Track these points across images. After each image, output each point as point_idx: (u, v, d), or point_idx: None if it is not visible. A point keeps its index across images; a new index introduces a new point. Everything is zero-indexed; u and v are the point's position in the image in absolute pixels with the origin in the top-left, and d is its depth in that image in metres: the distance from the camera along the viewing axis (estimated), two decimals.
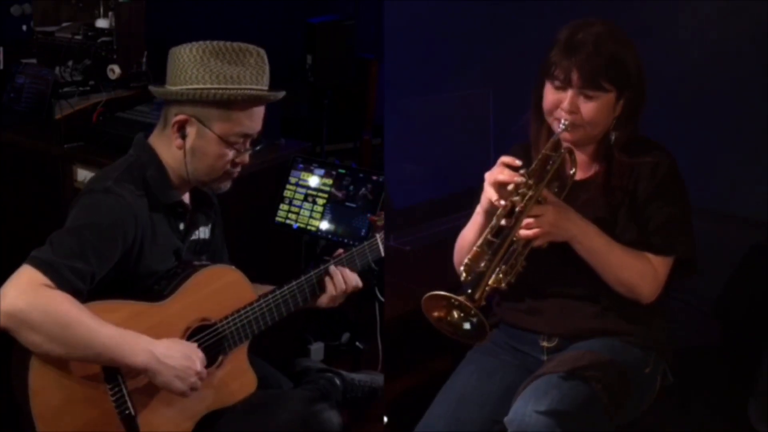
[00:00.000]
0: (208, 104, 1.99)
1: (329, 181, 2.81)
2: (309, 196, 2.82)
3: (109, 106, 3.18)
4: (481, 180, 2.09)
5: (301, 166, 2.88)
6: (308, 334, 3.40)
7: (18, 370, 1.82)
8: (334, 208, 2.78)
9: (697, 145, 2.73)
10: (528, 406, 1.93)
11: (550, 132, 2.12)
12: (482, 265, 1.88)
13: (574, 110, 2.04)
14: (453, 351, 2.47)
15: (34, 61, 3.50)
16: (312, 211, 2.80)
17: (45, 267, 1.78)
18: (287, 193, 2.86)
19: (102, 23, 3.44)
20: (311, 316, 3.35)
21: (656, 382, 2.17)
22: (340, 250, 2.25)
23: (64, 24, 3.54)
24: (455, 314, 1.89)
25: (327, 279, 2.17)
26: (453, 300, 1.85)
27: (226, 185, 2.10)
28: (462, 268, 1.90)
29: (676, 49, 2.82)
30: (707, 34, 2.80)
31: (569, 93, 2.03)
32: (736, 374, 2.42)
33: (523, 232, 1.95)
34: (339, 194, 2.78)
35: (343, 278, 2.18)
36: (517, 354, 2.22)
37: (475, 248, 1.91)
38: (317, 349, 3.38)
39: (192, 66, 1.98)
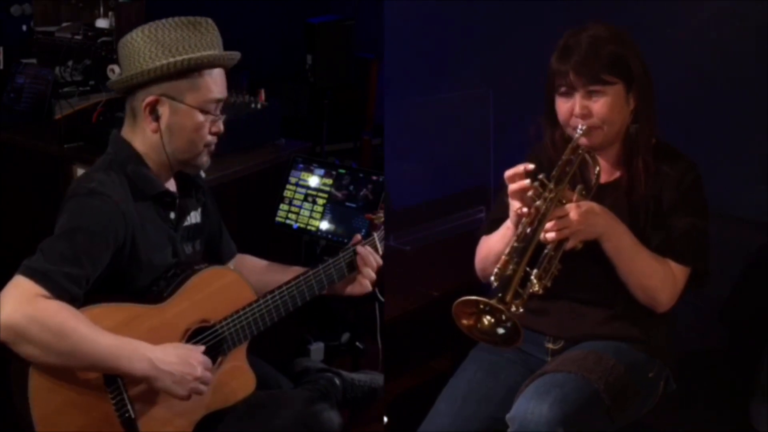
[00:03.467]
0: (175, 77, 1.97)
1: (329, 181, 2.80)
2: (309, 196, 2.82)
3: (109, 106, 3.18)
4: (481, 180, 2.09)
5: (301, 166, 2.87)
6: (308, 334, 3.40)
7: (18, 373, 1.81)
8: (334, 208, 2.78)
9: (697, 145, 2.72)
10: (530, 404, 1.93)
11: (565, 136, 2.11)
12: (509, 270, 1.89)
13: (586, 113, 2.03)
14: (453, 351, 2.47)
15: (34, 61, 3.51)
16: (312, 211, 2.80)
17: (39, 276, 1.77)
18: (287, 193, 2.85)
19: (102, 23, 3.45)
20: (311, 316, 3.35)
21: (659, 388, 2.16)
22: (357, 237, 2.24)
23: (64, 24, 3.54)
24: (486, 320, 1.90)
25: (359, 261, 2.17)
26: (483, 305, 1.86)
27: (207, 161, 2.08)
28: (493, 277, 1.91)
29: (676, 49, 2.82)
30: (707, 34, 2.80)
31: (577, 97, 2.03)
32: (740, 376, 2.42)
33: (550, 235, 1.94)
34: (339, 194, 2.78)
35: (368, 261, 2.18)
36: (522, 354, 2.21)
37: (503, 256, 1.92)
38: (317, 349, 3.38)
39: (148, 46, 1.96)
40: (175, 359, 1.87)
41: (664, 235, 2.08)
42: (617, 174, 2.14)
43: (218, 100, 2.03)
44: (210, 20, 2.03)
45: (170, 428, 1.96)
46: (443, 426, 2.12)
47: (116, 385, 1.86)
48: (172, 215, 2.07)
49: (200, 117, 2.00)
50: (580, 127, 2.03)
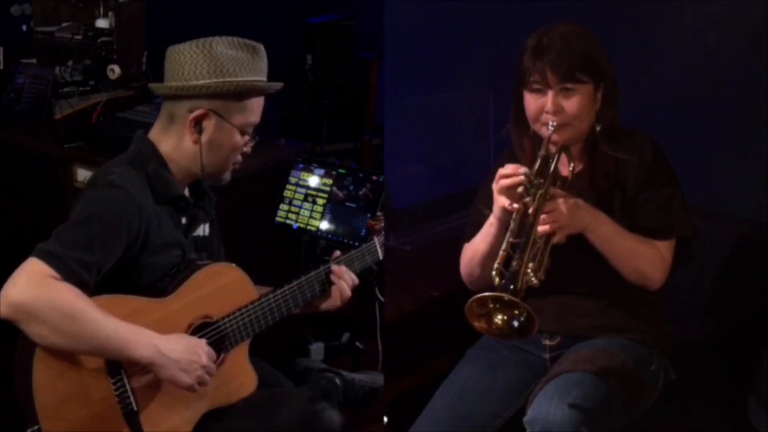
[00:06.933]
0: (228, 97, 2.02)
1: (329, 181, 2.81)
2: (309, 196, 2.82)
3: (109, 106, 3.19)
4: (482, 180, 2.10)
5: (301, 166, 2.88)
6: (308, 334, 3.40)
7: (22, 363, 1.82)
8: (334, 208, 2.78)
9: (697, 145, 2.73)
10: (551, 405, 1.94)
11: (534, 139, 2.15)
12: (514, 264, 1.90)
13: (558, 109, 2.07)
14: (453, 351, 2.46)
15: (34, 61, 3.51)
16: (312, 211, 2.80)
17: (51, 259, 1.78)
18: (287, 193, 2.86)
19: (102, 23, 3.45)
20: (311, 316, 3.35)
21: (660, 380, 2.18)
22: (337, 252, 2.26)
23: (64, 24, 3.55)
24: (499, 315, 1.91)
25: (333, 277, 2.18)
26: (492, 303, 1.87)
27: (229, 176, 2.14)
28: (493, 272, 1.92)
29: (676, 49, 2.83)
30: (707, 34, 2.80)
31: (549, 94, 2.06)
32: (729, 370, 2.43)
33: (541, 229, 1.97)
34: (339, 194, 2.78)
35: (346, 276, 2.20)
36: (519, 352, 2.23)
37: (501, 252, 1.94)
38: (317, 349, 3.38)
39: (205, 60, 2.00)
40: (181, 348, 1.89)
41: (638, 216, 2.12)
42: (580, 167, 2.18)
43: (255, 125, 2.10)
44: (262, 46, 2.09)
45: (171, 423, 1.96)
46: (438, 421, 2.12)
47: (119, 376, 1.87)
48: (184, 221, 2.09)
49: (240, 137, 2.06)
50: (551, 124, 2.06)
